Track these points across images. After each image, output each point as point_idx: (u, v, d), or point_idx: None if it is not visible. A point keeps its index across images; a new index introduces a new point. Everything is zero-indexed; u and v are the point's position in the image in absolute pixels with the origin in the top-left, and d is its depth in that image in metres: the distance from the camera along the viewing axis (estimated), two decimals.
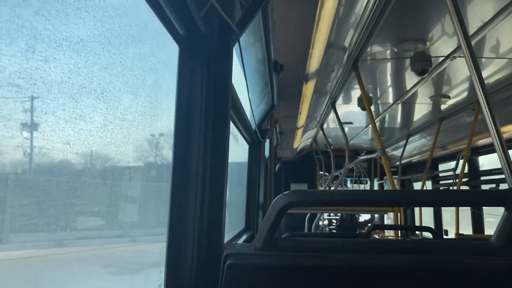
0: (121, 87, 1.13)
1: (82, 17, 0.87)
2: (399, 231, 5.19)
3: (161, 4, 1.34)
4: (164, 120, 1.63)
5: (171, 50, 1.55)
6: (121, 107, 1.11)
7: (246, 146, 4.19)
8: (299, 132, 6.37)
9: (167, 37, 1.48)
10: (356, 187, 10.08)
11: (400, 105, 4.90)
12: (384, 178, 10.05)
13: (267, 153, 5.00)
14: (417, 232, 7.02)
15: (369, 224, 7.86)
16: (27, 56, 0.73)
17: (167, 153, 1.66)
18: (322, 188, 9.09)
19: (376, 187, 10.26)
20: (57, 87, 0.81)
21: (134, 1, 1.21)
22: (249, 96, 2.92)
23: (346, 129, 5.33)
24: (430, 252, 1.33)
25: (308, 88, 4.04)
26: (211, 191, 1.69)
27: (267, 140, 4.61)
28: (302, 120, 5.51)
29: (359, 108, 4.56)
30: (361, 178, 9.99)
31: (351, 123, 6.16)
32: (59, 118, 0.82)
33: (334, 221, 9.87)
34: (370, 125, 6.15)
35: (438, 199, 1.44)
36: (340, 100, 4.78)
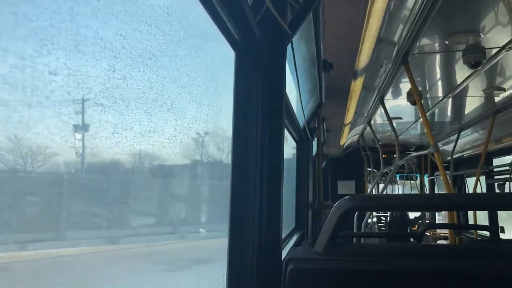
0: (187, 97, 1.16)
1: (153, 32, 0.90)
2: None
3: (219, 11, 1.36)
4: (224, 126, 1.66)
5: (229, 57, 1.57)
6: (187, 117, 1.14)
7: (294, 145, 4.19)
8: (346, 128, 6.30)
9: (225, 45, 1.50)
10: (406, 183, 9.84)
11: (450, 99, 4.75)
12: (435, 174, 9.77)
13: (314, 151, 4.98)
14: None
15: (420, 222, 7.65)
16: (109, 76, 0.76)
17: (227, 157, 1.69)
18: (370, 185, 8.93)
19: (426, 183, 9.98)
20: (134, 103, 0.85)
21: (195, 12, 1.24)
22: (299, 96, 2.91)
23: (394, 124, 5.22)
24: (490, 257, 1.29)
25: (357, 85, 3.99)
26: (269, 193, 1.70)
27: (315, 139, 4.58)
28: (349, 116, 5.45)
29: (408, 103, 4.46)
30: (411, 174, 9.76)
31: (400, 118, 6.03)
32: (136, 133, 0.86)
33: (383, 218, 9.69)
34: (419, 120, 6.00)
35: None
36: (388, 95, 4.69)
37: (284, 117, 1.81)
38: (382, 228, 9.47)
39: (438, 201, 1.38)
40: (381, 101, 4.71)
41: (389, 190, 9.44)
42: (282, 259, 1.75)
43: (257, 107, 1.67)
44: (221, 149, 1.72)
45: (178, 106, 1.06)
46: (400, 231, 7.13)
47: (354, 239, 4.93)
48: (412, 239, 4.55)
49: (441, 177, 3.66)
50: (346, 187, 9.27)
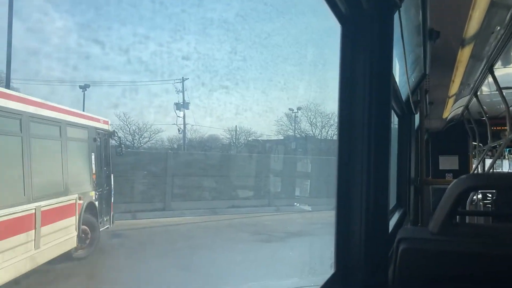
0: (298, 75, 1.17)
1: (268, 11, 0.91)
2: None
3: None
4: (330, 103, 1.65)
5: (335, 32, 1.55)
6: (298, 95, 1.14)
7: (396, 119, 4.04)
8: (450, 101, 5.96)
9: (331, 20, 1.48)
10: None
11: None
12: None
13: (416, 125, 4.77)
14: None
15: None
16: (231, 58, 0.78)
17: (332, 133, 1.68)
18: (476, 161, 8.41)
19: None
20: (252, 84, 0.87)
21: None
22: (404, 68, 2.79)
23: (505, 95, 4.84)
24: None
25: (464, 54, 3.75)
26: (376, 168, 1.66)
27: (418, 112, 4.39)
28: (454, 88, 5.15)
29: None
30: None
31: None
32: (255, 113, 0.88)
33: (489, 195, 9.07)
34: None
35: None
36: (499, 64, 4.36)
37: (391, 91, 1.76)
38: (488, 205, 8.89)
39: None
40: (490, 70, 4.39)
41: (497, 166, 8.82)
42: (388, 236, 1.72)
43: (364, 80, 1.63)
44: (326, 125, 1.71)
45: (290, 85, 1.07)
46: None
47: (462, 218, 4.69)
48: None
49: None
50: (448, 162, 8.80)
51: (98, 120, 10.55)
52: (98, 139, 10.34)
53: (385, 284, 1.55)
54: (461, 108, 7.19)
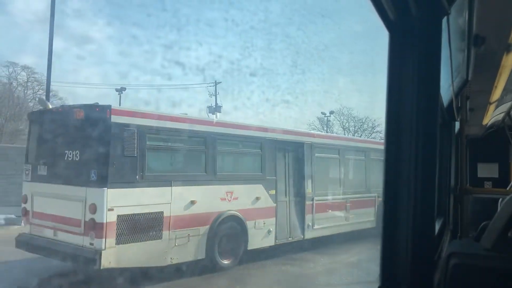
0: (350, 86, 1.16)
1: (326, 23, 0.91)
2: None
3: None
4: (378, 111, 1.63)
5: (383, 40, 1.54)
6: (350, 106, 1.13)
7: None
8: (492, 107, 5.79)
9: (379, 28, 1.46)
10: None
11: None
12: None
13: (456, 131, 4.67)
14: None
15: None
16: (292, 71, 0.78)
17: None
18: None
19: None
20: (310, 96, 0.86)
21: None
22: (451, 73, 2.74)
23: None
24: None
25: (509, 59, 3.64)
26: (423, 178, 1.63)
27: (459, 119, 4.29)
28: (497, 94, 5.00)
29: None
30: None
31: None
32: (307, 124, 0.87)
33: None
34: None
35: None
36: None
37: (438, 98, 1.72)
38: None
39: None
40: None
41: None
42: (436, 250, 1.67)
43: (412, 87, 1.61)
44: (372, 132, 1.69)
45: (344, 96, 1.07)
46: None
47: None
48: None
49: None
50: (487, 170, 8.54)
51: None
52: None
53: None
54: (502, 115, 6.99)
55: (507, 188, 6.20)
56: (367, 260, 10.66)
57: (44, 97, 17.94)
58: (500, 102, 5.80)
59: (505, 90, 5.11)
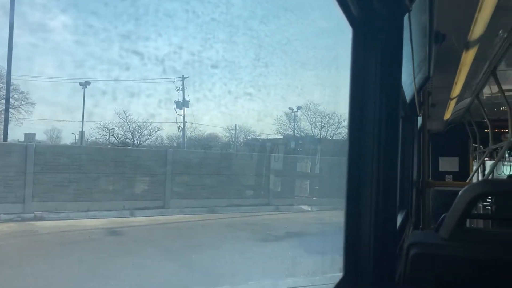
0: (313, 80, 1.17)
1: (289, 17, 0.91)
2: None
3: None
4: (342, 106, 1.66)
5: (347, 35, 1.56)
6: (314, 100, 1.15)
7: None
8: (452, 102, 5.97)
9: (343, 24, 1.48)
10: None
11: None
12: None
13: (418, 127, 4.78)
14: None
15: None
16: (255, 64, 0.78)
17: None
18: (476, 163, 8.41)
19: None
20: (273, 89, 0.87)
21: None
22: (411, 70, 2.80)
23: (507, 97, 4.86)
24: None
25: (468, 56, 3.76)
26: (385, 170, 1.67)
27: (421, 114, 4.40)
28: (457, 90, 5.16)
29: None
30: None
31: None
32: (275, 119, 0.88)
33: (489, 198, 9.05)
34: None
35: None
36: (502, 66, 4.38)
37: (400, 93, 1.76)
38: (487, 207, 8.89)
39: None
40: (492, 73, 4.41)
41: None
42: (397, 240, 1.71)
43: (374, 83, 1.64)
44: (338, 127, 1.72)
45: (306, 90, 1.08)
46: None
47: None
48: None
49: None
50: (448, 164, 8.79)
51: None
52: None
53: None
54: (463, 110, 7.20)
55: (467, 181, 6.41)
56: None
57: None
58: (460, 98, 5.98)
59: (465, 87, 5.27)
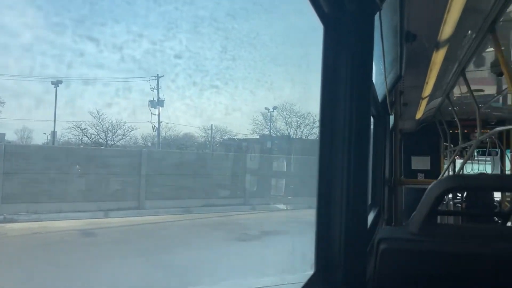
0: (284, 76, 1.17)
1: (257, 10, 0.91)
2: None
3: None
4: (314, 103, 1.67)
5: (318, 33, 1.57)
6: (284, 96, 1.15)
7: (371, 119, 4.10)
8: (424, 102, 6.08)
9: (314, 21, 1.49)
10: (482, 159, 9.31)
11: None
12: None
13: (390, 126, 4.86)
14: None
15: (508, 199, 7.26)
16: (221, 57, 0.78)
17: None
18: (447, 161, 8.59)
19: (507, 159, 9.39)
20: (241, 83, 0.86)
21: None
22: (381, 69, 2.84)
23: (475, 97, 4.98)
24: None
25: (438, 56, 3.83)
26: (356, 167, 1.68)
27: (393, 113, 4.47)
28: (428, 89, 5.25)
29: (490, 75, 4.24)
30: (490, 150, 9.22)
31: (482, 90, 5.72)
32: (243, 114, 0.88)
33: (459, 195, 9.28)
34: (503, 92, 5.66)
35: None
36: (470, 67, 4.48)
37: (371, 91, 1.78)
38: (457, 204, 9.09)
39: None
40: (462, 73, 4.50)
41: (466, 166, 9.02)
42: (368, 236, 1.73)
43: (345, 81, 1.65)
44: (313, 127, 1.73)
45: (276, 85, 1.08)
46: (483, 209, 6.80)
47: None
48: (496, 219, 4.35)
49: None
50: (420, 162, 8.97)
51: None
52: None
53: (365, 283, 1.56)
54: (434, 110, 7.34)
55: (438, 179, 6.53)
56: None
57: None
58: (431, 97, 6.09)
59: (436, 86, 5.37)
